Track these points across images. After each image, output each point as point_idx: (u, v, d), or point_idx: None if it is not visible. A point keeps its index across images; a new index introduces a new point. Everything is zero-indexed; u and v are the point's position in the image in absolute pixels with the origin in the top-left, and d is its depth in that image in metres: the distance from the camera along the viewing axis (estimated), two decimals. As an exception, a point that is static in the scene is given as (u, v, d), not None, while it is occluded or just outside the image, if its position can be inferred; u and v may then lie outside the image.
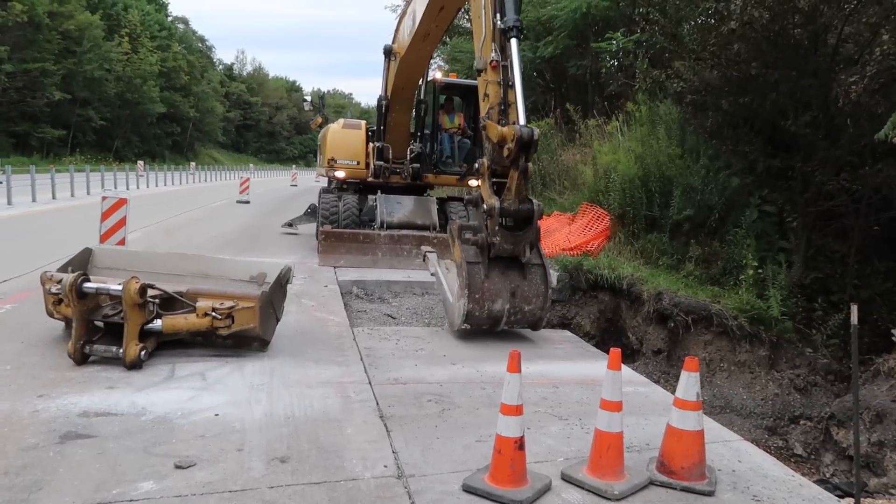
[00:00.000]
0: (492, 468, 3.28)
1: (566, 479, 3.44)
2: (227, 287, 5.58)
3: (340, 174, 11.82)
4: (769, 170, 10.92)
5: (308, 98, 62.37)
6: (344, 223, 10.79)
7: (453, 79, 12.29)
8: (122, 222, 8.74)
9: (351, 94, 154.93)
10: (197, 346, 5.31)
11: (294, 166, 70.27)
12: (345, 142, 12.06)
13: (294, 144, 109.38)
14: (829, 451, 7.94)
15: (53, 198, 19.16)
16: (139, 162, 38.93)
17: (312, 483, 3.25)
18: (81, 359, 4.76)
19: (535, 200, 5.99)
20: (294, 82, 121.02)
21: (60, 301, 5.00)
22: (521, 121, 5.77)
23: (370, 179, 11.63)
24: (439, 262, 7.33)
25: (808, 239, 10.57)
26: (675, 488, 3.41)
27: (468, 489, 3.26)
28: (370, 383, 4.83)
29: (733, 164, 11.22)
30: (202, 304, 5.03)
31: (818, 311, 9.76)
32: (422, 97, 11.46)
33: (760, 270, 9.63)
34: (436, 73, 12.13)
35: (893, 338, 8.23)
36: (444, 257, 7.69)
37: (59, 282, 4.96)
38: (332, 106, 77.34)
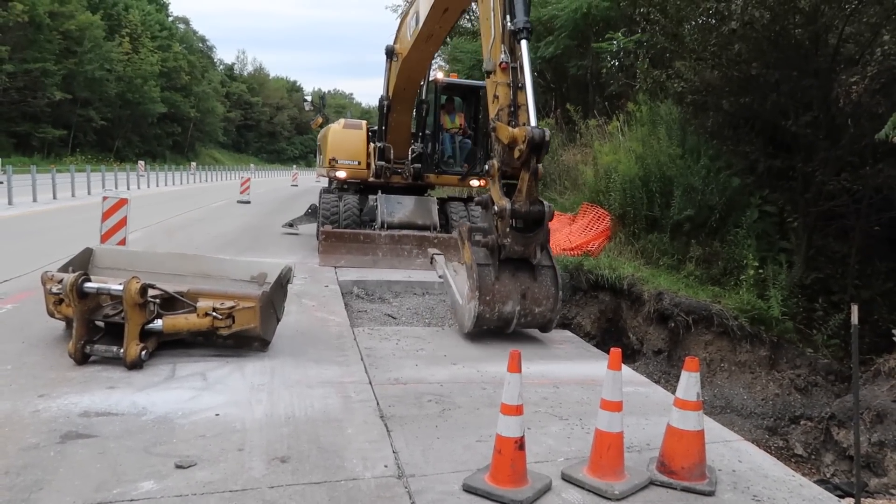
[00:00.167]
0: (492, 468, 3.28)
1: (566, 479, 3.44)
2: (227, 287, 5.58)
3: (341, 174, 11.82)
4: (770, 170, 10.91)
5: (309, 98, 62.42)
6: (344, 223, 10.79)
7: (454, 79, 12.29)
8: (122, 222, 8.74)
9: (352, 94, 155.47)
10: (197, 346, 5.31)
11: (295, 166, 70.20)
12: (346, 142, 12.06)
13: (295, 144, 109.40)
14: (829, 451, 7.93)
15: (54, 198, 19.18)
16: (140, 162, 38.86)
17: (313, 483, 3.25)
18: (82, 359, 4.76)
19: (545, 202, 5.96)
20: (295, 82, 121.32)
21: (61, 301, 5.01)
22: (532, 122, 5.74)
23: (371, 179, 11.63)
24: (447, 265, 7.32)
25: (809, 239, 10.57)
26: (675, 488, 3.42)
27: (468, 489, 3.26)
28: (371, 383, 4.84)
29: (734, 164, 11.22)
30: (203, 304, 5.04)
31: (819, 312, 9.75)
32: (423, 97, 11.44)
33: (761, 270, 9.63)
34: (437, 74, 12.12)
35: (894, 338, 8.23)
36: (448, 258, 7.69)
37: (60, 282, 4.97)
38: (333, 106, 77.51)
